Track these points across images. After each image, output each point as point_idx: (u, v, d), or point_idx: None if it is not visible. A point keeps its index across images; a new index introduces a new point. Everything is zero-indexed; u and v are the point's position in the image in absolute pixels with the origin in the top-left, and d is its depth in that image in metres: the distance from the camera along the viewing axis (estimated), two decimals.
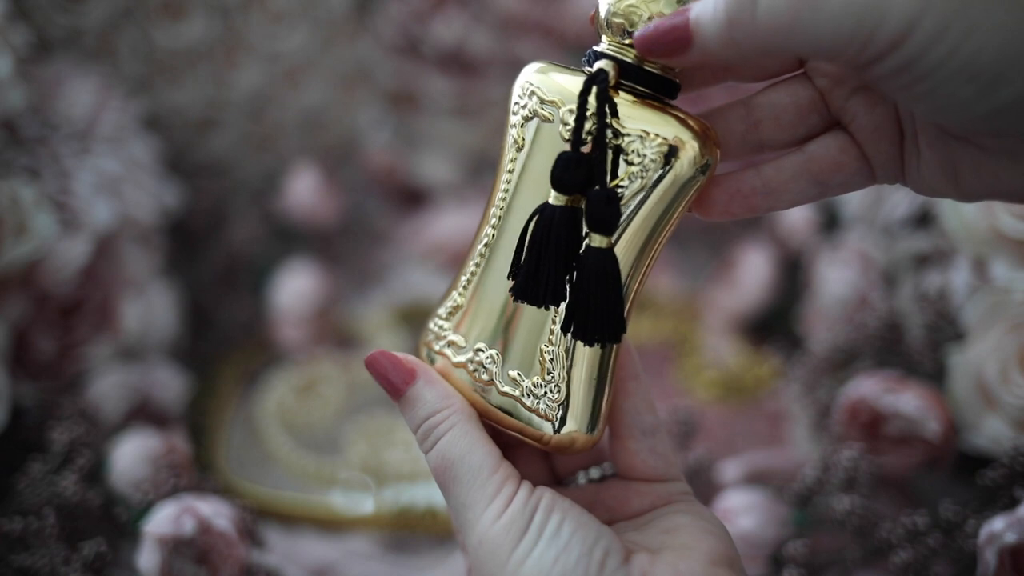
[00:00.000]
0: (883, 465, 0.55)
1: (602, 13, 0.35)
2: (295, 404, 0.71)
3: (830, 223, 0.75)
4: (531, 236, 0.34)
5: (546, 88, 0.36)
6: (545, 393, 0.36)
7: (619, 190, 0.34)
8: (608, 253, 0.33)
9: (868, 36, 0.29)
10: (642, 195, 0.35)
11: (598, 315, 0.34)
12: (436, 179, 0.90)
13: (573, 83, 0.35)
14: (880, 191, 0.68)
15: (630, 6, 0.34)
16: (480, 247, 0.37)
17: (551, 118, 0.35)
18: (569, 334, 0.34)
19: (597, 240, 0.33)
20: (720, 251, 0.82)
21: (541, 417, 0.36)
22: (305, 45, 0.81)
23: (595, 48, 0.36)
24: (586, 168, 0.33)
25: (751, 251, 0.78)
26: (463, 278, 0.38)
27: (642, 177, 0.34)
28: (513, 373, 0.36)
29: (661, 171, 0.34)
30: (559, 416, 0.36)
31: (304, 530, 0.61)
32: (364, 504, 0.62)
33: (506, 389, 0.36)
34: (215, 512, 0.50)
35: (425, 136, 0.91)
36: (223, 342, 0.77)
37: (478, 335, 0.37)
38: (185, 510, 0.49)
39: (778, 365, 0.74)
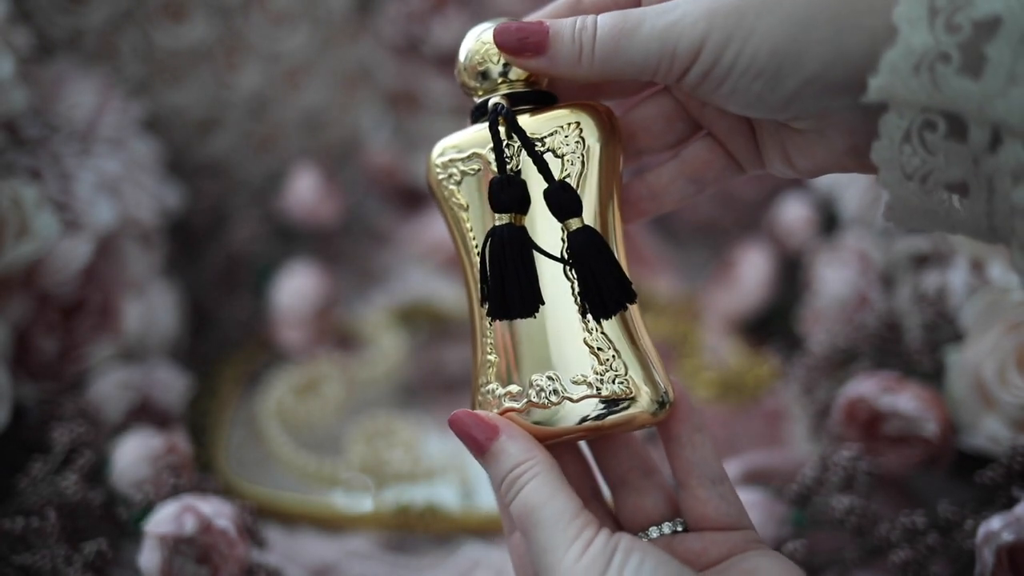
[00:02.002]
0: (882, 465, 0.55)
1: (461, 62, 0.41)
2: (295, 404, 0.71)
3: (829, 223, 0.75)
4: (489, 258, 0.38)
5: (459, 149, 0.40)
6: (614, 377, 0.38)
7: (566, 177, 0.39)
8: (587, 229, 0.38)
9: (671, 53, 0.36)
10: (584, 174, 0.39)
11: (607, 284, 0.38)
12: None
13: (479, 130, 0.40)
14: (880, 192, 0.68)
15: (485, 49, 0.40)
16: (484, 306, 0.40)
17: (479, 167, 0.40)
18: (590, 315, 0.38)
19: (573, 224, 0.38)
20: (720, 251, 0.82)
21: (622, 397, 0.38)
22: (305, 45, 0.81)
23: (476, 103, 0.41)
24: (517, 186, 0.38)
25: (751, 251, 0.78)
26: (485, 340, 0.40)
27: (574, 161, 0.39)
28: (576, 377, 0.38)
29: (585, 147, 0.39)
30: (639, 388, 0.38)
31: (304, 530, 0.61)
32: (364, 504, 0.63)
33: (579, 394, 0.38)
34: (216, 512, 0.50)
35: (425, 136, 0.91)
36: (223, 342, 0.77)
37: (526, 371, 0.38)
38: (186, 509, 0.49)
39: (778, 365, 0.74)
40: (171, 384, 0.64)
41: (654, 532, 0.40)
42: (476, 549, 0.60)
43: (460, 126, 0.41)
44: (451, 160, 0.40)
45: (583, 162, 0.39)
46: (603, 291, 0.38)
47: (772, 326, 0.77)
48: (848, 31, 0.33)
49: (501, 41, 0.38)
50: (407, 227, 0.89)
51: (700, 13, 0.35)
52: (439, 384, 0.75)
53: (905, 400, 0.55)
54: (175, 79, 0.77)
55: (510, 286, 0.38)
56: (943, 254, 0.62)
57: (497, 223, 0.38)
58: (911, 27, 0.31)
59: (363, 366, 0.74)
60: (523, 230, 0.38)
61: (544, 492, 0.36)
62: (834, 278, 0.69)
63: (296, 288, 0.75)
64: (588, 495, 0.42)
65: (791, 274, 0.77)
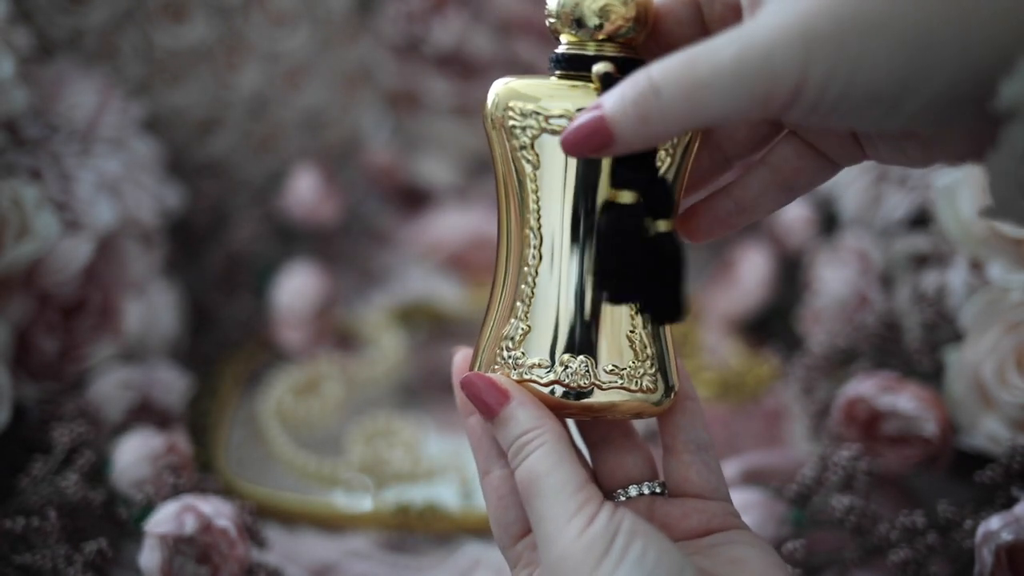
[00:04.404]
0: (881, 464, 0.55)
1: (555, 6, 0.38)
2: (295, 404, 0.71)
3: (829, 223, 0.75)
4: (615, 240, 0.36)
5: (547, 104, 0.38)
6: (643, 372, 0.39)
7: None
8: (675, 236, 0.36)
9: (765, 98, 0.31)
10: (672, 168, 0.38)
11: (678, 294, 0.36)
12: (436, 179, 0.90)
13: (575, 89, 0.38)
14: (879, 192, 0.69)
15: None
16: (526, 268, 0.39)
17: (562, 128, 0.36)
18: (651, 319, 0.37)
19: (664, 226, 0.36)
20: (720, 251, 0.82)
21: (646, 392, 0.39)
22: (305, 45, 0.81)
23: (559, 51, 0.39)
24: (645, 166, 0.36)
25: (751, 251, 0.78)
26: (519, 304, 0.39)
27: (668, 155, 0.38)
28: (609, 367, 0.38)
29: (685, 142, 0.38)
30: (660, 384, 0.39)
31: (304, 530, 0.61)
32: (364, 505, 0.63)
33: (609, 383, 0.38)
34: (216, 511, 0.50)
35: (425, 136, 0.91)
36: (223, 342, 0.77)
37: (560, 348, 0.38)
38: (186, 509, 0.49)
39: (778, 365, 0.74)
40: (171, 384, 0.64)
41: (633, 490, 0.40)
42: (476, 549, 0.60)
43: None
44: (534, 111, 0.38)
45: (673, 157, 0.38)
46: (669, 301, 0.36)
47: (772, 326, 0.77)
48: (978, 46, 0.29)
49: (575, 151, 0.34)
50: (407, 227, 0.89)
51: (792, 43, 0.30)
52: (439, 384, 0.75)
53: (904, 400, 0.55)
54: (175, 79, 0.77)
55: (635, 271, 0.36)
56: (943, 254, 0.62)
57: (622, 201, 0.36)
58: None
59: (363, 366, 0.74)
60: (641, 212, 0.36)
61: (549, 461, 0.35)
62: (834, 278, 0.69)
63: (296, 288, 0.75)
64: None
65: (791, 274, 0.77)
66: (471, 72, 0.87)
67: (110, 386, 0.61)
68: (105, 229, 0.62)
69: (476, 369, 0.40)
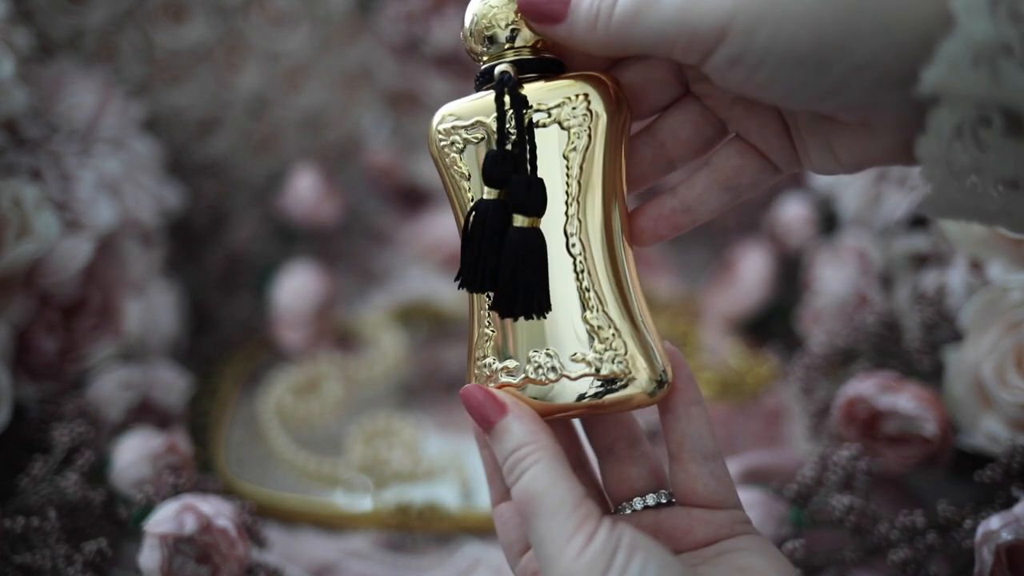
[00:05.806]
0: (881, 464, 0.55)
1: (467, 26, 0.40)
2: (295, 404, 0.71)
3: (829, 223, 0.76)
4: (470, 230, 0.37)
5: (462, 116, 0.39)
6: (613, 357, 0.38)
7: (572, 150, 0.38)
8: (531, 232, 0.37)
9: (691, 31, 0.34)
10: (591, 147, 0.38)
11: (526, 290, 0.37)
12: (435, 179, 0.91)
13: (484, 97, 0.39)
14: (879, 192, 0.69)
15: (493, 13, 0.39)
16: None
17: (482, 136, 0.39)
18: (502, 312, 0.37)
19: (520, 220, 0.37)
20: (720, 251, 0.82)
21: (620, 377, 0.38)
22: (305, 45, 0.81)
23: (482, 68, 0.40)
24: (510, 161, 0.37)
25: (750, 251, 0.79)
26: (483, 312, 0.39)
27: (581, 134, 0.38)
28: (576, 355, 0.38)
29: (593, 120, 0.38)
30: (634, 366, 0.38)
31: (304, 530, 0.61)
32: (364, 505, 0.63)
33: (577, 372, 0.38)
34: (216, 511, 0.50)
35: (425, 136, 0.91)
36: (223, 342, 0.77)
37: (524, 347, 0.38)
38: (186, 509, 0.50)
39: (777, 365, 0.74)
40: (171, 384, 0.64)
41: (638, 503, 0.40)
42: (476, 548, 0.60)
43: None
44: (454, 127, 0.39)
45: (590, 136, 0.38)
46: (517, 296, 0.37)
47: (772, 326, 0.77)
48: (900, 18, 0.31)
49: (522, 9, 0.38)
50: (407, 227, 0.89)
51: None
52: (439, 384, 0.76)
53: (904, 400, 0.55)
54: (175, 79, 0.77)
55: (482, 262, 0.37)
56: (942, 254, 0.62)
57: (485, 196, 0.37)
58: (970, 17, 0.29)
59: (363, 366, 0.74)
60: (505, 207, 0.37)
61: (545, 480, 0.35)
62: (833, 278, 0.69)
63: (296, 288, 0.75)
64: (574, 463, 0.42)
65: (791, 274, 0.77)
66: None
67: (110, 386, 0.61)
68: (105, 229, 0.62)
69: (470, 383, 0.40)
